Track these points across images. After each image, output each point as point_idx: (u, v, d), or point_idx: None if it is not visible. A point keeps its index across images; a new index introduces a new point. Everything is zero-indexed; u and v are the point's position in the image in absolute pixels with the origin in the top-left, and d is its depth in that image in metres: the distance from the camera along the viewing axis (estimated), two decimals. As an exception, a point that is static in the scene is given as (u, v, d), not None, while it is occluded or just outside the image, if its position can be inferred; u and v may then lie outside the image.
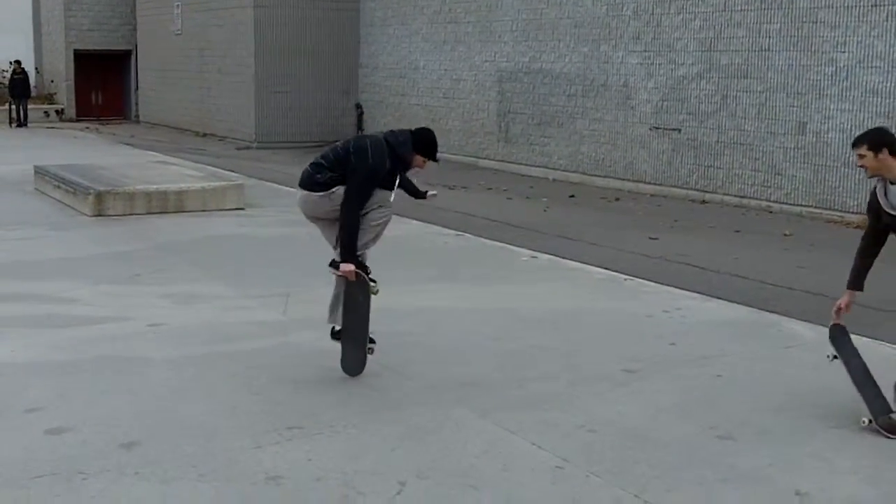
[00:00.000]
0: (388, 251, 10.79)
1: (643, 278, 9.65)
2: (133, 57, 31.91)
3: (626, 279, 9.64)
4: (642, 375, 6.59)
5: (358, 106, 23.85)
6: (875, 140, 5.52)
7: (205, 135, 26.35)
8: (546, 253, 10.91)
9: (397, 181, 6.53)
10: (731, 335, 7.57)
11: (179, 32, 27.85)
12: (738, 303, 8.60)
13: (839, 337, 5.91)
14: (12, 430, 5.46)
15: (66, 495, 4.66)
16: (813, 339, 7.31)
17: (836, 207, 13.59)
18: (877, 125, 5.50)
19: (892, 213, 5.53)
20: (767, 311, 8.32)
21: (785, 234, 12.50)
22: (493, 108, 19.96)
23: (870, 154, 5.50)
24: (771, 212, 14.24)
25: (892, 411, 5.60)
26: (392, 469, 5.00)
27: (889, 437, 5.48)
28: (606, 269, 10.10)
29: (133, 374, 6.47)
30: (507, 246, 11.35)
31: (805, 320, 7.93)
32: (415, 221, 12.71)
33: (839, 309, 5.86)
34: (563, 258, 10.65)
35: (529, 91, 18.98)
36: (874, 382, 5.73)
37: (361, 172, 6.20)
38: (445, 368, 6.70)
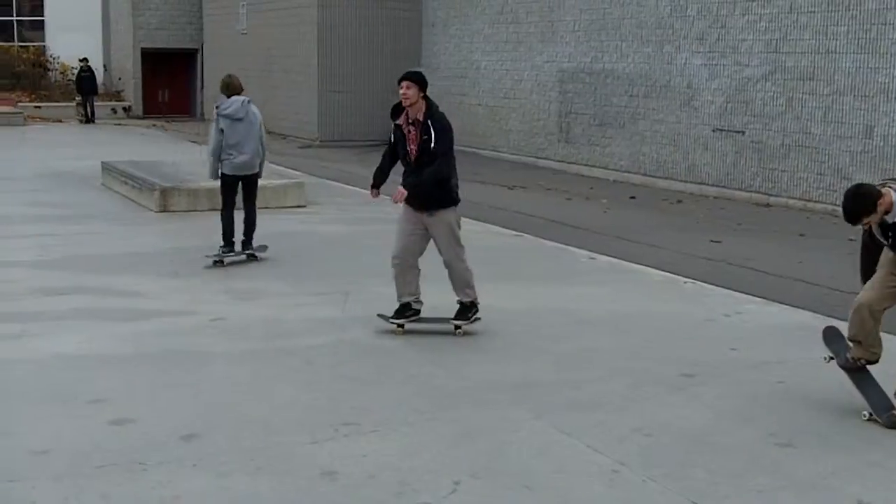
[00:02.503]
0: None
1: (704, 281, 9.54)
2: (199, 55, 32.34)
3: (686, 282, 9.55)
4: (701, 380, 6.53)
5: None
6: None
7: (269, 133, 26.59)
8: (605, 254, 10.84)
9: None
10: (792, 341, 7.46)
11: (245, 32, 28.17)
12: (801, 308, 8.48)
13: (833, 337, 6.06)
14: (78, 420, 5.58)
15: (126, 485, 4.75)
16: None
17: (903, 212, 13.30)
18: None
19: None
20: (831, 316, 8.17)
21: (850, 239, 12.26)
22: (554, 109, 19.88)
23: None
24: (836, 216, 13.96)
25: (893, 408, 5.70)
26: (446, 468, 5.01)
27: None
28: (666, 271, 10.01)
29: (194, 368, 6.57)
30: (566, 247, 11.30)
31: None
32: (472, 220, 12.70)
33: None
34: (623, 260, 10.58)
35: (591, 91, 18.87)
36: (873, 380, 5.87)
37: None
38: (502, 369, 6.69)
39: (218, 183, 10.04)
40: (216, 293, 8.62)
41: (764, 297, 8.90)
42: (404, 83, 7.07)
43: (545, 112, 20.14)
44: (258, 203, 10.28)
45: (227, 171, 9.82)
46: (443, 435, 5.48)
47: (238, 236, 10.00)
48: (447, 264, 7.43)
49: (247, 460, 5.05)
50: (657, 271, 10.02)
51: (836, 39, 14.13)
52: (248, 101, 9.89)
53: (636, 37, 17.71)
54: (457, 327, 7.46)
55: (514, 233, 12.13)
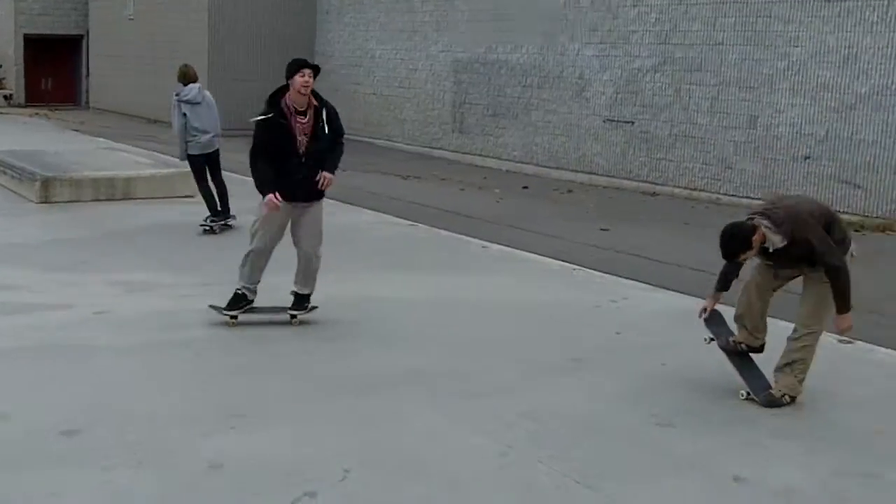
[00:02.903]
0: (340, 240, 10.80)
1: (593, 269, 9.72)
2: (84, 42, 31.47)
3: (575, 270, 9.70)
4: (588, 365, 6.65)
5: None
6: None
7: (156, 122, 26.05)
8: (498, 243, 10.94)
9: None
10: (676, 325, 7.64)
11: (132, 18, 27.51)
12: (685, 293, 8.69)
13: (714, 319, 6.25)
14: (-49, 417, 5.39)
15: (4, 482, 4.60)
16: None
17: (784, 201, 13.74)
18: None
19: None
20: (714, 301, 8.42)
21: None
22: (449, 99, 19.95)
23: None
24: (720, 204, 14.38)
25: (770, 387, 5.94)
26: (336, 456, 4.99)
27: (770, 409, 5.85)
28: (557, 259, 10.15)
29: (77, 362, 6.40)
30: (460, 236, 11.36)
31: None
32: (368, 211, 12.70)
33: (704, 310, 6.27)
34: (515, 249, 10.69)
35: (485, 82, 19.00)
36: (751, 360, 6.12)
37: None
38: (394, 357, 6.70)
39: (186, 164, 11.21)
40: (100, 285, 8.41)
41: (650, 284, 9.11)
42: (307, 71, 6.89)
43: (440, 102, 20.20)
44: (146, 193, 10.30)
45: (194, 152, 10.93)
46: (332, 424, 5.46)
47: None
48: (308, 255, 7.27)
49: (130, 454, 4.94)
50: (548, 259, 10.16)
51: (724, 31, 14.51)
52: (202, 88, 11.02)
53: (529, 27, 17.88)
54: (293, 317, 7.34)
55: (408, 223, 12.14)
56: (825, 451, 5.29)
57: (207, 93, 11.02)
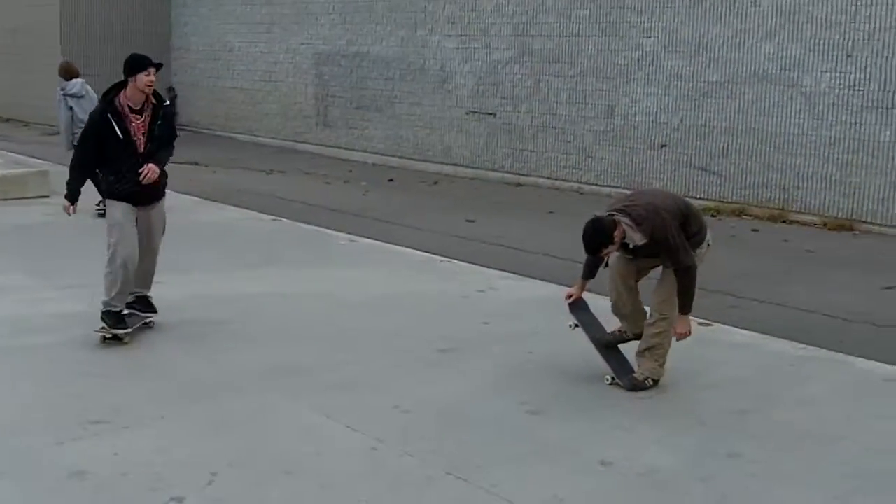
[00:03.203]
0: (205, 238, 10.59)
1: (459, 260, 9.79)
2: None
3: (442, 261, 9.76)
4: (457, 355, 6.69)
5: (171, 89, 23.13)
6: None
7: (8, 120, 25.09)
8: (365, 237, 10.91)
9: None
10: (543, 313, 7.76)
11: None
12: (550, 281, 8.84)
13: (578, 305, 6.36)
14: None
15: None
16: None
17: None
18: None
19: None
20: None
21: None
22: (312, 92, 19.78)
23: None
24: (582, 193, 14.67)
25: (633, 371, 6.10)
26: (203, 459, 4.90)
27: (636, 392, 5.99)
28: (424, 251, 10.19)
29: (-76, 373, 6.10)
30: (326, 230, 11.29)
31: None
32: (231, 208, 12.50)
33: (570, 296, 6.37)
34: (382, 241, 10.69)
35: (347, 75, 18.90)
36: (616, 346, 6.28)
37: None
38: (261, 355, 6.61)
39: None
40: (-50, 291, 8.04)
41: (516, 273, 9.24)
42: (153, 69, 6.65)
43: (302, 95, 20.00)
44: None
45: None
46: (198, 427, 5.35)
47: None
48: (154, 253, 7.03)
49: (-15, 466, 4.75)
50: (415, 251, 10.19)
51: (580, 23, 14.78)
52: (85, 83, 11.68)
53: (390, 20, 17.87)
54: (147, 323, 7.06)
55: (272, 218, 11.99)
56: (689, 432, 5.45)
57: (89, 87, 11.70)
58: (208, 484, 4.64)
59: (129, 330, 6.80)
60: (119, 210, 6.78)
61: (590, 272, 6.27)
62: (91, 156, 6.83)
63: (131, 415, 5.48)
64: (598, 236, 5.86)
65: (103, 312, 6.74)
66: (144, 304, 7.11)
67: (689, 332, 6.01)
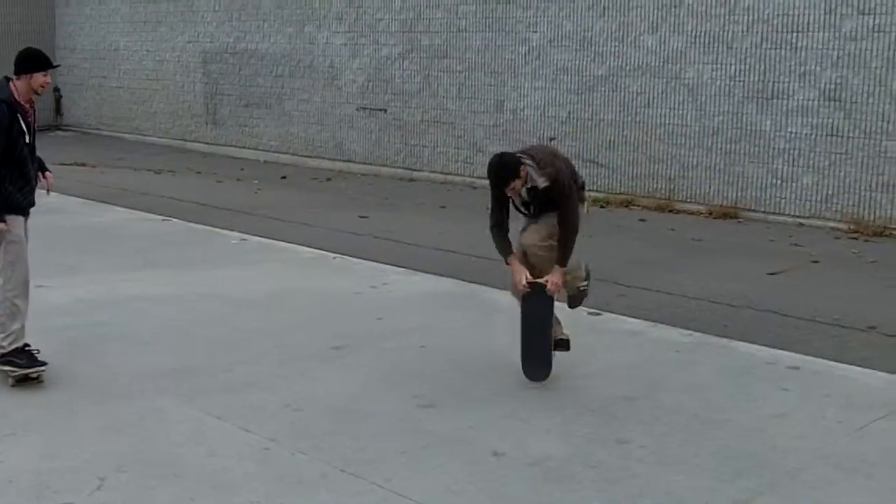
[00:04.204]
0: (91, 240, 10.36)
1: (352, 256, 9.78)
2: None
3: (335, 257, 9.73)
4: (349, 351, 6.69)
5: (56, 90, 22.55)
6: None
7: None
8: (256, 235, 10.82)
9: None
10: (435, 306, 7.82)
11: None
12: (442, 275, 8.90)
13: (536, 288, 6.14)
14: None
15: None
16: (511, 306, 7.65)
17: (533, 181, 14.29)
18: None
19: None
20: (469, 281, 8.66)
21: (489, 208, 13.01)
22: (200, 90, 19.48)
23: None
24: (474, 187, 14.76)
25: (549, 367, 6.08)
26: (90, 464, 4.80)
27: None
28: (316, 248, 10.15)
29: None
30: (217, 229, 11.16)
31: (503, 289, 8.28)
32: (119, 208, 12.25)
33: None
34: (274, 239, 10.61)
35: (235, 72, 18.67)
36: (534, 338, 6.11)
37: None
38: (149, 358, 6.50)
39: None
40: None
41: (408, 268, 9.26)
42: (50, 72, 6.11)
43: (191, 93, 19.69)
44: None
45: None
46: (86, 431, 5.24)
47: None
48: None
49: None
50: (307, 248, 10.15)
51: (466, 18, 14.89)
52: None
53: (277, 16, 17.72)
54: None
55: (162, 218, 11.79)
56: (579, 419, 5.54)
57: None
58: (97, 489, 4.55)
59: (41, 369, 5.98)
60: (20, 226, 5.95)
61: (503, 238, 6.15)
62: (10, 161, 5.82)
63: (16, 421, 5.34)
64: (506, 168, 5.90)
65: (10, 352, 5.93)
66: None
67: (562, 285, 6.02)
